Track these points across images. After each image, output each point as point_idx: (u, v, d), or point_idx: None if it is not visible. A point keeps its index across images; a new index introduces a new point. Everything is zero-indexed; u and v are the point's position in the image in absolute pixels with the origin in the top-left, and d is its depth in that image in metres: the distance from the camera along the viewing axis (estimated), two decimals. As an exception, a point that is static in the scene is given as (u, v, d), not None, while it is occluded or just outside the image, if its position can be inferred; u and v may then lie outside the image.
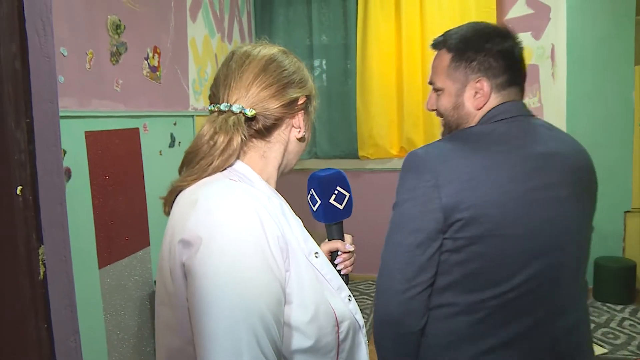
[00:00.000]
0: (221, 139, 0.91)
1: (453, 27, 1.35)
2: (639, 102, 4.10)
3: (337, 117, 4.85)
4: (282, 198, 0.97)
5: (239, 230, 0.80)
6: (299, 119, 1.01)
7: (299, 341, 0.85)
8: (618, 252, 4.21)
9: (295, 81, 0.99)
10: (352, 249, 1.20)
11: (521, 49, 1.30)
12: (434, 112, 1.37)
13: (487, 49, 1.25)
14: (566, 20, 4.14)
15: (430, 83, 1.36)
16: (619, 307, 3.99)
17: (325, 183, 1.15)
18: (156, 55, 3.21)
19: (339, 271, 1.16)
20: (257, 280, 0.78)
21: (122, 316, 2.84)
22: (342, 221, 1.20)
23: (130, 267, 2.93)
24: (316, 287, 0.90)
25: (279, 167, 1.01)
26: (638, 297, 4.07)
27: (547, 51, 4.33)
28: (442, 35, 1.35)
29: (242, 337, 0.74)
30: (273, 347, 0.78)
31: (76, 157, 2.48)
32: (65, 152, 2.39)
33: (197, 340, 0.76)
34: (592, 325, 3.68)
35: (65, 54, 2.42)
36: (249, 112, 0.93)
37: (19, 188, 0.81)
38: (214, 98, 0.98)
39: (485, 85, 1.25)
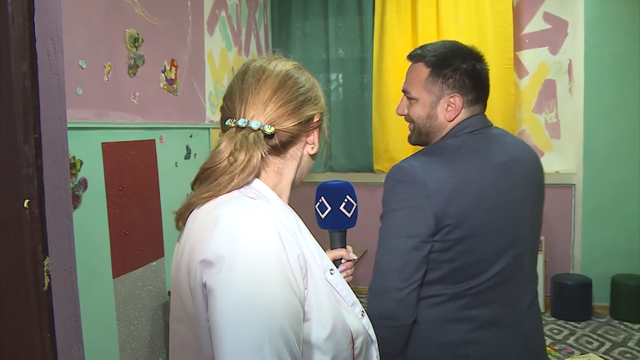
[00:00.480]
0: (242, 156, 0.89)
1: (429, 43, 1.50)
2: (658, 118, 4.05)
3: (353, 131, 4.86)
4: (296, 214, 0.97)
5: (262, 250, 0.79)
6: (315, 136, 1.01)
7: (317, 358, 0.85)
8: (636, 270, 4.12)
9: (312, 98, 0.99)
10: (355, 257, 1.24)
11: (487, 70, 1.47)
12: (404, 116, 1.51)
13: (463, 69, 1.40)
14: (584, 35, 4.10)
15: (404, 91, 1.50)
16: (636, 326, 3.91)
17: (336, 191, 1.21)
18: (173, 68, 3.27)
19: None
20: (279, 300, 0.78)
21: (135, 326, 2.87)
22: (346, 230, 1.24)
23: (144, 277, 2.96)
24: (333, 304, 0.90)
25: (292, 182, 1.02)
26: (657, 315, 3.98)
27: (565, 66, 4.31)
28: (420, 49, 1.49)
29: (265, 356, 0.74)
30: None
31: (93, 168, 2.53)
32: (82, 163, 2.44)
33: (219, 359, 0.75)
34: (609, 344, 3.65)
35: (84, 66, 2.48)
36: (268, 129, 0.92)
37: (26, 201, 0.83)
38: (228, 112, 0.97)
39: (458, 101, 1.41)
